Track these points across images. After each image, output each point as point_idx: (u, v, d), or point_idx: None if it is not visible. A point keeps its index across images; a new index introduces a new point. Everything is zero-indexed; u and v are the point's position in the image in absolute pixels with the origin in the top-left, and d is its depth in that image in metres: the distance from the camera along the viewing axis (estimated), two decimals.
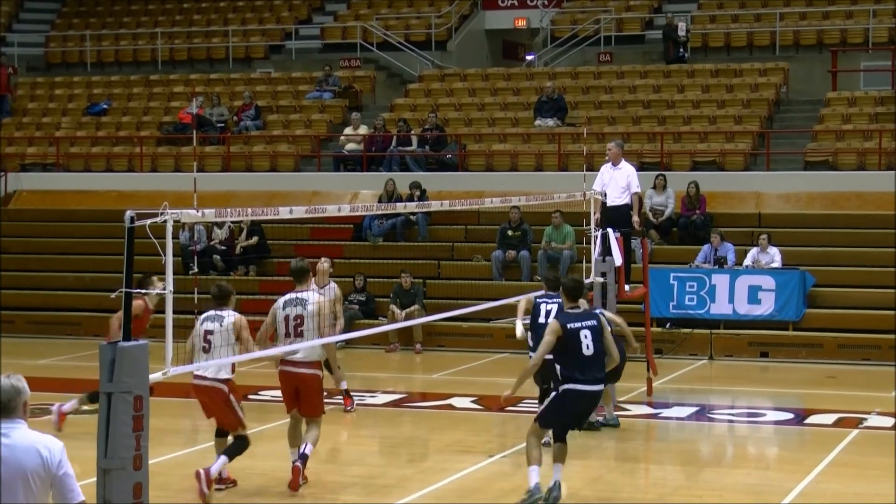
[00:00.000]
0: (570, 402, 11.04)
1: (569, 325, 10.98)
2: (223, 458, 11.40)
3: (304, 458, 11.78)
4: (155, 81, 32.28)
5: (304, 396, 11.86)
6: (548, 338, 11.04)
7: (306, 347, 11.68)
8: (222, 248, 24.49)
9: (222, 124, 29.16)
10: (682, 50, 28.85)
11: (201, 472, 11.03)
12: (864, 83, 28.41)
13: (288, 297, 11.81)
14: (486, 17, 33.66)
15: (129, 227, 8.70)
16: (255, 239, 24.47)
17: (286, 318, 11.70)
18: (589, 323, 11.08)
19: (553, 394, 11.20)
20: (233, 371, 11.48)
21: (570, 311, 11.27)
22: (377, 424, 15.55)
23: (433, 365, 20.71)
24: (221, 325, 11.27)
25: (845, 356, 20.52)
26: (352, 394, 15.93)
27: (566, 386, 10.98)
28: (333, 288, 15.10)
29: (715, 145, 25.74)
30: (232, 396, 11.41)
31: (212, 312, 11.44)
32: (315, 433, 11.85)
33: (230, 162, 28.07)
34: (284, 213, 10.99)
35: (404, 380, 20.06)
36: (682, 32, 28.75)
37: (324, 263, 15.27)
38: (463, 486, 12.21)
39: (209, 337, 11.29)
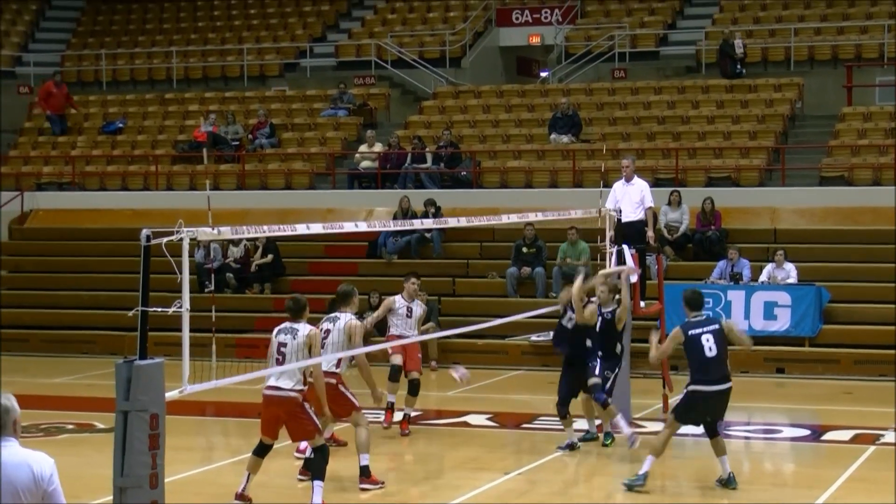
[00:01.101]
0: (697, 401, 12.28)
1: (689, 332, 12.25)
2: (317, 482, 11.44)
3: (361, 470, 12.52)
4: (170, 100, 32.39)
5: (330, 404, 12.24)
6: (669, 343, 12.51)
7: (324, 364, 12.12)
8: (237, 265, 24.55)
9: (237, 142, 29.22)
10: (738, 66, 28.79)
11: None
12: (879, 98, 28.34)
13: (329, 315, 12.85)
14: (500, 33, 33.65)
15: (145, 246, 8.73)
16: (270, 257, 24.52)
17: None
18: (710, 328, 12.30)
19: (684, 392, 12.48)
20: (305, 383, 11.70)
21: (693, 319, 12.43)
22: (392, 442, 15.53)
23: (448, 382, 20.65)
24: (295, 339, 11.55)
25: (862, 372, 20.44)
26: (394, 410, 16.18)
27: (692, 387, 12.24)
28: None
29: (730, 161, 25.71)
30: (306, 404, 11.59)
31: (286, 325, 11.71)
32: (363, 435, 12.50)
33: (245, 180, 28.13)
34: (301, 230, 11.07)
35: (419, 397, 19.98)
36: (739, 49, 28.70)
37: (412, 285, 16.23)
38: None
39: (282, 349, 11.58)
